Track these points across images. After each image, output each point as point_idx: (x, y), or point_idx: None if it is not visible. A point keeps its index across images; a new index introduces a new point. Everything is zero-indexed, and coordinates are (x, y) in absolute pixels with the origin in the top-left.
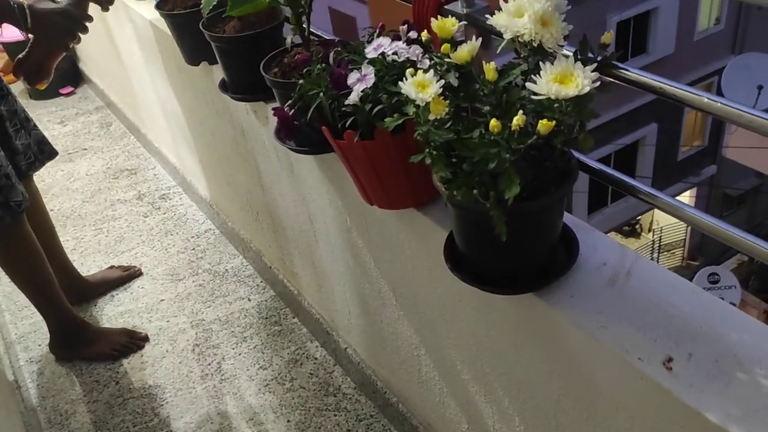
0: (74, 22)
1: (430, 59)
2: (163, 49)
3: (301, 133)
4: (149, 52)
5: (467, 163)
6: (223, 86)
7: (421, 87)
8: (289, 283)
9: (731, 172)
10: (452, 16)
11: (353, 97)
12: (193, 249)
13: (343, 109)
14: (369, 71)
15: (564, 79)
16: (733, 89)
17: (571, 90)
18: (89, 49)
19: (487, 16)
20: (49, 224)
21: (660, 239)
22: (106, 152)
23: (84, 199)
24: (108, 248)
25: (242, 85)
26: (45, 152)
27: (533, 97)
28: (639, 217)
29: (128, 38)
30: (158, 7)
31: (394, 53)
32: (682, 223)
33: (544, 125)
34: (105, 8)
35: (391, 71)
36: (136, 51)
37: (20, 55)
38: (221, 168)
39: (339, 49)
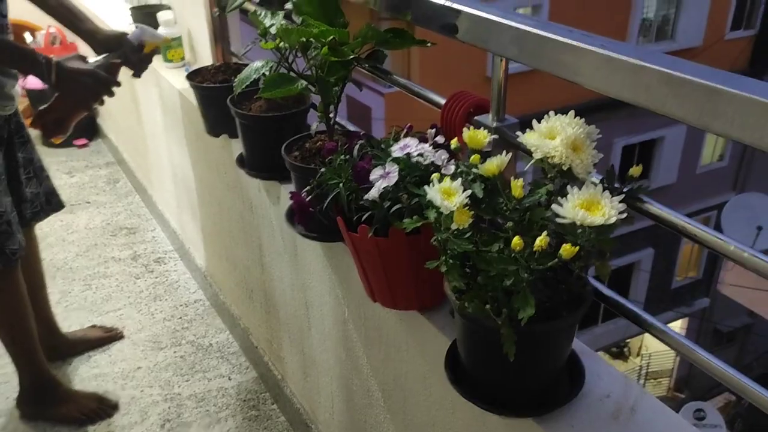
0: (101, 85)
1: (457, 167)
2: (185, 116)
3: (312, 220)
4: (171, 118)
5: (482, 276)
6: (240, 161)
7: (447, 195)
8: (273, 366)
9: (724, 308)
10: (482, 128)
11: (373, 193)
12: (180, 318)
13: (361, 202)
14: (393, 169)
15: (590, 206)
16: (732, 227)
17: (597, 218)
18: (110, 106)
19: (518, 133)
20: (40, 275)
21: (648, 365)
22: (108, 208)
23: (78, 253)
24: (94, 306)
25: (259, 162)
26: (52, 204)
27: (557, 219)
28: (628, 340)
29: (152, 102)
30: (189, 78)
31: (419, 155)
32: (671, 351)
33: (567, 250)
34: (137, 75)
35: (414, 172)
36: (157, 115)
37: (41, 107)
38: (222, 240)
39: (363, 142)
